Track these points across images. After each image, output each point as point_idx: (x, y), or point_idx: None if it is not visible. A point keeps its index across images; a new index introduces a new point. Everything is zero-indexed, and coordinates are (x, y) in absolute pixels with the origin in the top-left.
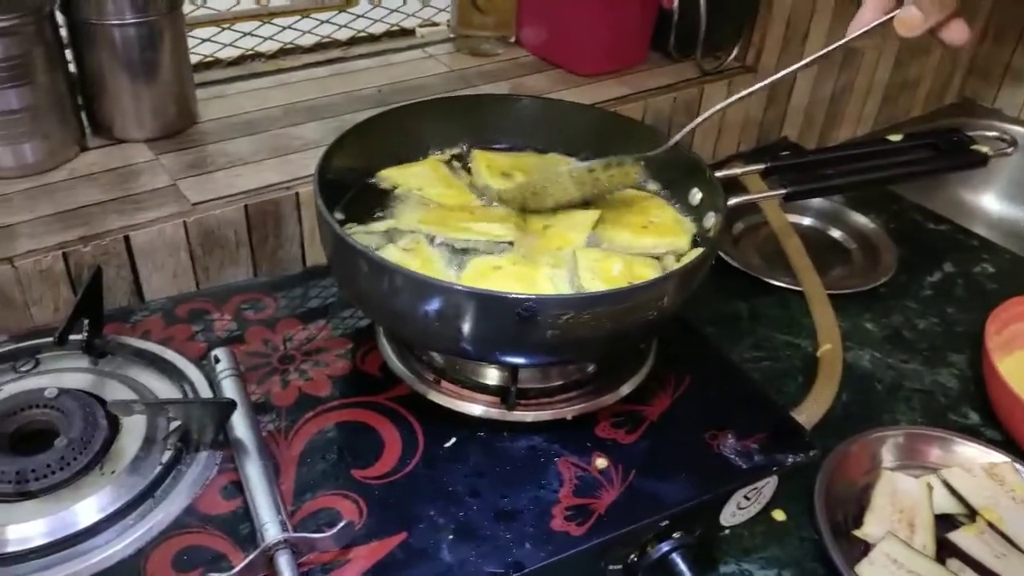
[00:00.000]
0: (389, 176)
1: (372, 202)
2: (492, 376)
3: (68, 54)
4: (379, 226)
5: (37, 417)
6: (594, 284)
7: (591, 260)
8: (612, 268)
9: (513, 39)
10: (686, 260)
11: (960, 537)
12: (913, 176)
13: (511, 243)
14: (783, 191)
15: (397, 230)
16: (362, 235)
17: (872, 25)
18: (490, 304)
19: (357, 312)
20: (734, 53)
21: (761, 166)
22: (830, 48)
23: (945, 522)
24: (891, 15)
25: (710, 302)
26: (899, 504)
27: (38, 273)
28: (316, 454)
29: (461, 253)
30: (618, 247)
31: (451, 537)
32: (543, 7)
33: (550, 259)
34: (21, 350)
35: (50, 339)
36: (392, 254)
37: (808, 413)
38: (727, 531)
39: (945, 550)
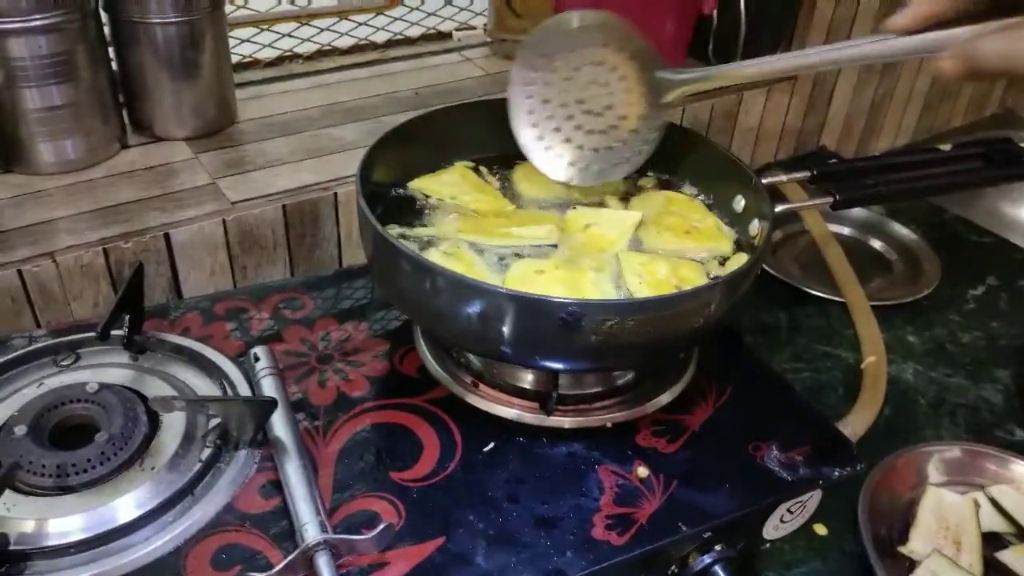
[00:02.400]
0: (421, 186)
1: (407, 212)
2: (531, 381)
3: (111, 52)
4: (418, 232)
5: (78, 411)
6: (641, 288)
7: (636, 263)
8: (658, 271)
9: None
10: (731, 265)
11: (1008, 557)
12: (963, 186)
13: (554, 245)
14: (830, 199)
15: (436, 238)
16: (401, 238)
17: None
18: (533, 308)
19: (394, 313)
20: None
21: (807, 173)
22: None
23: (993, 541)
24: (927, 41)
25: (749, 311)
26: (945, 521)
27: (79, 269)
28: (354, 454)
29: (501, 257)
30: (660, 250)
31: (490, 543)
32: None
33: (593, 262)
34: (61, 344)
35: (90, 334)
36: (434, 257)
37: (854, 426)
38: (767, 544)
39: (993, 570)
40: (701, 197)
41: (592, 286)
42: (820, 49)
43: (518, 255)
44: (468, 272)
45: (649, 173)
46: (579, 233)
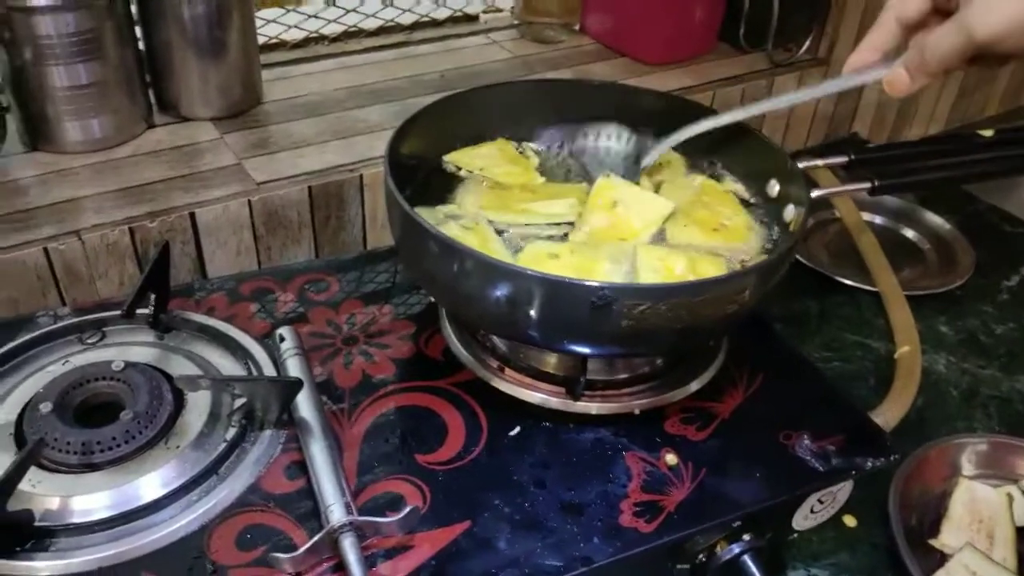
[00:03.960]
0: (454, 159)
1: (438, 186)
2: (557, 365)
3: (137, 31)
4: (442, 209)
5: (103, 389)
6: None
7: (655, 258)
8: (675, 267)
9: (577, 26)
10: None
11: None
12: (1005, 174)
13: (572, 223)
14: (868, 184)
15: (457, 215)
16: (424, 215)
17: (863, 79)
18: (564, 291)
19: (420, 295)
20: (806, 45)
21: (844, 158)
22: (824, 91)
23: None
24: (878, 75)
25: (778, 299)
26: (978, 514)
27: (104, 247)
28: (379, 437)
29: (523, 237)
30: (684, 245)
31: (516, 528)
32: None
33: (610, 252)
34: (87, 323)
35: (116, 312)
36: (452, 230)
37: (887, 416)
38: (795, 535)
39: None
40: (738, 185)
41: (604, 277)
42: (787, 96)
43: (538, 236)
44: (483, 247)
45: (680, 153)
46: (604, 212)
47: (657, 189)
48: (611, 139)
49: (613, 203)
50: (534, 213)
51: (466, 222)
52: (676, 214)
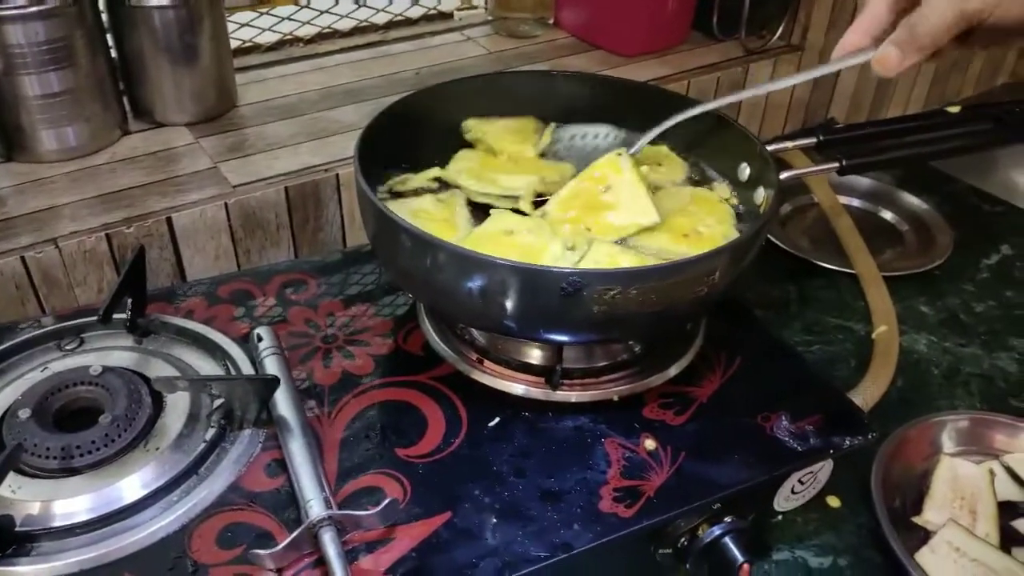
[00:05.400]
0: (469, 124)
1: (450, 147)
2: (536, 356)
3: (109, 39)
4: (428, 173)
5: (82, 394)
6: None
7: (602, 254)
8: (620, 264)
9: (552, 20)
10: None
11: None
12: (974, 149)
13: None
14: (836, 164)
15: (440, 179)
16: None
17: (856, 61)
18: (533, 278)
19: (399, 292)
20: (779, 31)
21: (812, 140)
22: (820, 72)
23: (1009, 509)
24: (868, 56)
25: (758, 284)
26: (960, 491)
27: (82, 254)
28: (359, 433)
29: (484, 212)
30: (646, 250)
31: (497, 517)
32: None
33: (568, 236)
34: (66, 329)
35: (94, 318)
36: (425, 202)
37: (865, 395)
38: (780, 517)
39: (1009, 539)
40: (729, 193)
41: (551, 259)
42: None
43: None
44: (447, 223)
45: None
46: (590, 183)
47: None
48: (598, 137)
49: (607, 186)
50: (496, 184)
51: (442, 195)
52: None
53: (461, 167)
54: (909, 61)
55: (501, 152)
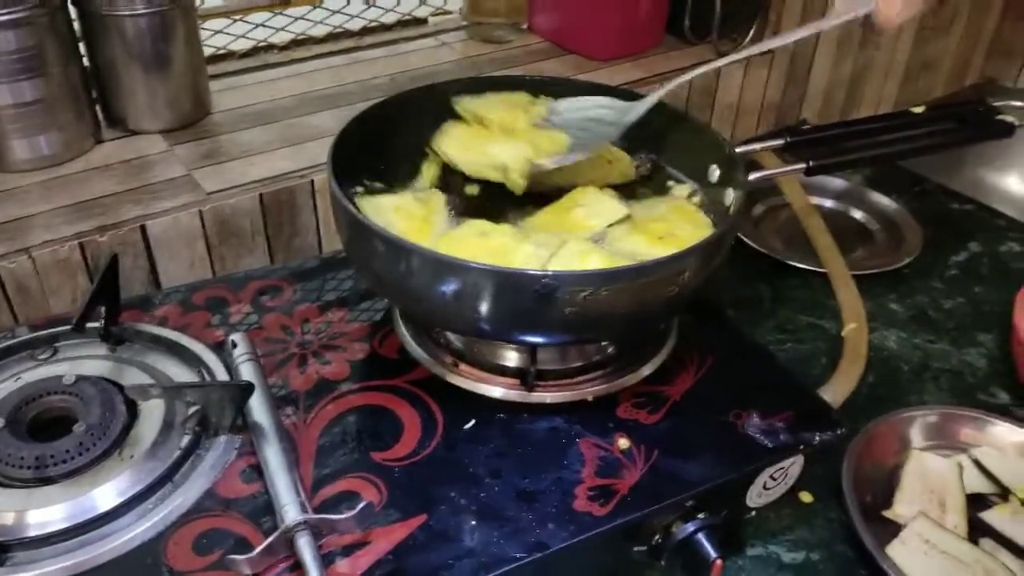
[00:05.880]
0: (462, 102)
1: (417, 154)
2: (511, 358)
3: (81, 47)
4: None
5: (55, 404)
6: None
7: (573, 253)
8: (590, 262)
9: (525, 25)
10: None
11: (993, 516)
12: (938, 148)
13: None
14: (803, 165)
15: (430, 152)
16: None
17: (861, 12)
18: (507, 280)
19: (375, 297)
20: (751, 35)
21: (780, 141)
22: (820, 27)
23: (977, 502)
24: (871, 6)
25: (731, 285)
26: (930, 484)
27: (55, 264)
28: (335, 437)
29: (462, 214)
30: (619, 251)
31: (473, 519)
32: None
33: (542, 237)
34: (39, 339)
35: (67, 327)
36: (405, 200)
37: (834, 392)
38: (753, 513)
39: (978, 530)
40: (690, 191)
41: (520, 261)
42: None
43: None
44: (425, 222)
45: (640, 155)
46: (562, 210)
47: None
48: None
49: (576, 204)
50: (485, 155)
51: (420, 194)
52: (627, 223)
53: (448, 143)
54: (910, 9)
55: (491, 123)
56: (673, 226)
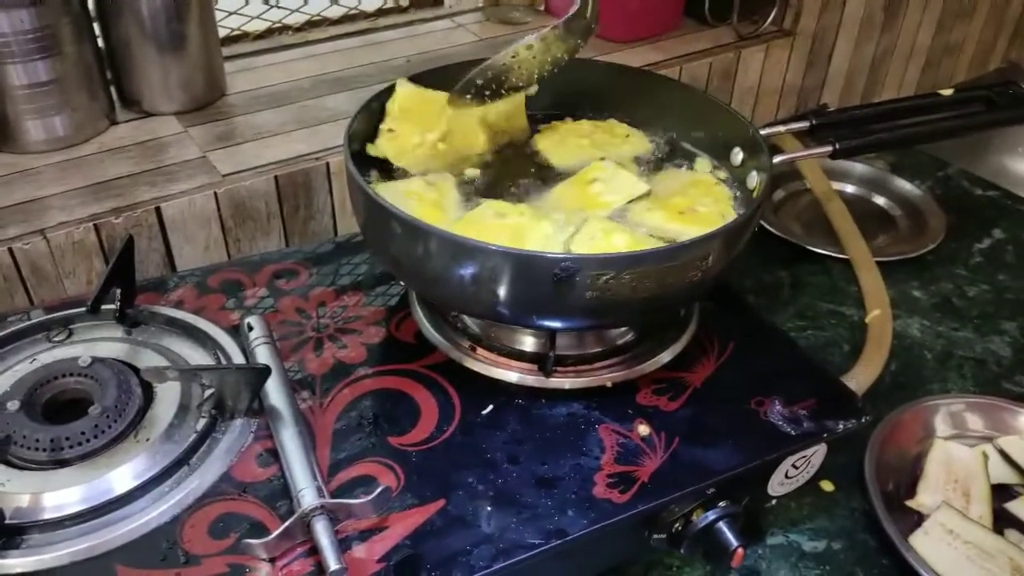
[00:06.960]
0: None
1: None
2: (528, 343)
3: (96, 28)
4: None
5: (71, 386)
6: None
7: (597, 229)
8: (613, 241)
9: (543, 7)
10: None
11: (1018, 507)
12: (967, 131)
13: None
14: (829, 148)
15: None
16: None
17: None
18: (526, 263)
19: (391, 280)
20: (771, 17)
21: (805, 124)
22: None
23: (1002, 492)
24: None
25: (751, 271)
26: (954, 474)
27: (70, 245)
28: (351, 421)
29: (476, 197)
30: (641, 227)
31: (490, 504)
32: None
33: (561, 216)
34: (54, 320)
35: (83, 309)
36: (415, 185)
37: (858, 379)
38: (774, 501)
39: (1002, 520)
40: (714, 166)
41: (540, 241)
42: None
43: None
44: (434, 207)
45: (656, 138)
46: (580, 185)
47: (648, 180)
48: None
49: (593, 180)
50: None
51: (429, 177)
52: (647, 198)
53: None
54: None
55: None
56: (694, 200)
